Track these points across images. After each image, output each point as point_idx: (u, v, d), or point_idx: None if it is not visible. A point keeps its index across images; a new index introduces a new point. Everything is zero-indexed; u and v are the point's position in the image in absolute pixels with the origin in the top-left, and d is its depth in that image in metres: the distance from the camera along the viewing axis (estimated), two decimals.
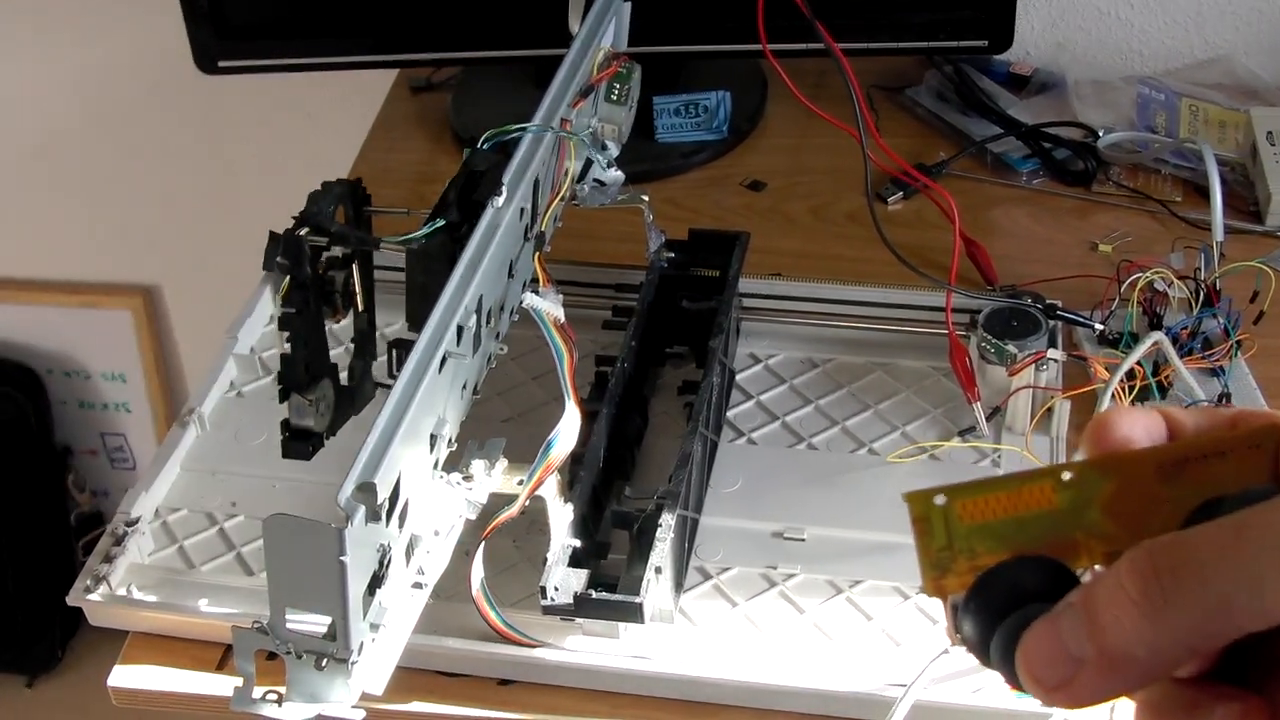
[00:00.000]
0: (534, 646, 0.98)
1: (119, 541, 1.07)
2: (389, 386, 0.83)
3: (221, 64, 1.49)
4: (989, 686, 0.94)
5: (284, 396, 0.93)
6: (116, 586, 1.05)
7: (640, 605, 0.94)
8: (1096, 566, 0.46)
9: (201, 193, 2.05)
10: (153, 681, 1.02)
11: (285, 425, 0.93)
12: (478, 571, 0.94)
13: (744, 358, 1.24)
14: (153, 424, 2.28)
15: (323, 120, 1.93)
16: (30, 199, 2.11)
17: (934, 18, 1.44)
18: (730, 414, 1.19)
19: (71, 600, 1.04)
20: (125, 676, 1.03)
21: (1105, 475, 0.47)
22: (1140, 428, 0.48)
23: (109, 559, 1.05)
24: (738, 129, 1.54)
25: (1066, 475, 0.47)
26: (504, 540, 1.05)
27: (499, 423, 1.19)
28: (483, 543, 0.94)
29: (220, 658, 1.03)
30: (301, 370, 0.92)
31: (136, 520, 1.08)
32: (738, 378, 1.22)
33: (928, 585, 0.47)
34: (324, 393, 0.94)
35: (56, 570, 2.31)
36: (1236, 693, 0.44)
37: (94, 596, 1.03)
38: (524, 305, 0.96)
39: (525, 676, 1.00)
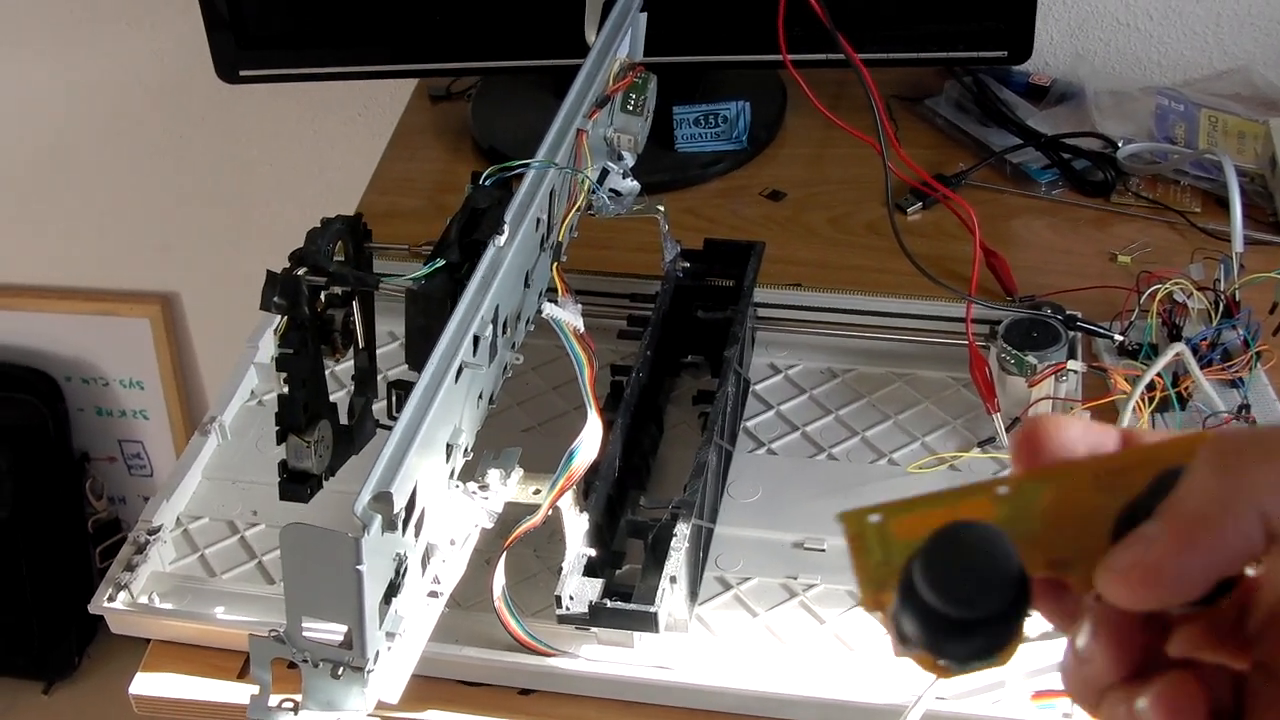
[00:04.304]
0: (554, 655, 0.98)
1: (141, 550, 1.07)
2: (389, 428, 0.82)
3: (242, 73, 1.50)
4: (1007, 699, 0.94)
5: (281, 438, 0.91)
6: (138, 594, 1.05)
7: (655, 614, 0.94)
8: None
9: (220, 200, 2.06)
10: (173, 689, 1.03)
11: (283, 467, 0.92)
12: (499, 580, 0.94)
13: (764, 368, 1.24)
14: (170, 431, 2.28)
15: (342, 129, 1.93)
16: (49, 206, 2.12)
17: (953, 29, 1.44)
18: (750, 424, 1.19)
19: (93, 608, 1.04)
20: (146, 684, 1.03)
21: (1042, 486, 0.47)
22: (1075, 434, 0.49)
23: (131, 567, 1.06)
24: (757, 139, 1.54)
25: (1002, 489, 0.47)
26: (525, 550, 1.06)
27: (519, 432, 1.19)
28: (504, 552, 0.94)
29: (241, 666, 1.03)
30: (299, 411, 0.90)
31: (158, 529, 1.09)
32: (758, 388, 1.22)
33: (866, 600, 0.48)
34: (322, 434, 0.92)
35: (74, 577, 2.31)
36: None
37: (116, 604, 1.04)
38: (544, 315, 0.96)
39: (546, 686, 1.00)
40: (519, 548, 0.96)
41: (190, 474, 1.15)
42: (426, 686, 1.00)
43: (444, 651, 0.99)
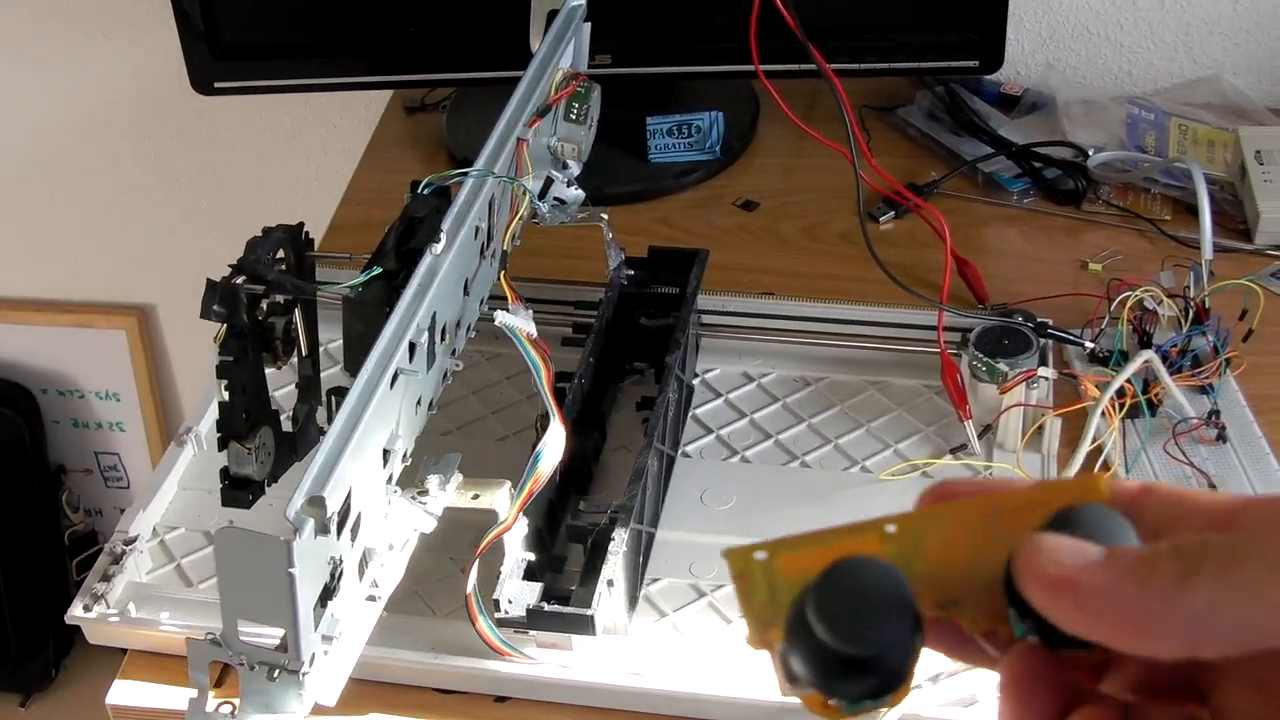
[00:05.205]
0: (521, 660, 0.98)
1: (117, 560, 1.07)
2: None
3: (217, 85, 1.50)
4: (980, 709, 0.95)
5: (223, 445, 0.92)
6: (114, 605, 1.05)
7: (591, 618, 0.95)
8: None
9: (196, 212, 2.06)
10: (150, 699, 1.03)
11: (224, 474, 0.93)
12: (471, 581, 0.94)
13: (737, 376, 1.24)
14: (146, 443, 2.28)
15: (317, 141, 1.94)
16: (25, 218, 2.12)
17: (925, 39, 1.45)
18: (724, 431, 1.19)
19: (70, 618, 1.04)
20: (124, 694, 1.03)
21: (931, 527, 0.47)
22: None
23: (107, 577, 1.06)
24: (730, 149, 1.55)
25: (891, 528, 0.47)
26: (500, 557, 1.06)
27: (494, 441, 1.19)
28: (477, 559, 0.94)
29: (218, 675, 1.03)
30: (240, 418, 0.91)
31: (134, 539, 1.09)
32: (731, 396, 1.23)
33: (752, 639, 0.47)
34: (264, 440, 0.94)
35: (50, 589, 2.31)
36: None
37: (92, 615, 1.04)
38: (497, 323, 0.96)
39: (521, 693, 1.01)
40: (493, 555, 0.96)
41: (166, 484, 1.15)
42: (402, 694, 1.00)
43: (420, 659, 0.99)
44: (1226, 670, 0.44)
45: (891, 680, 0.45)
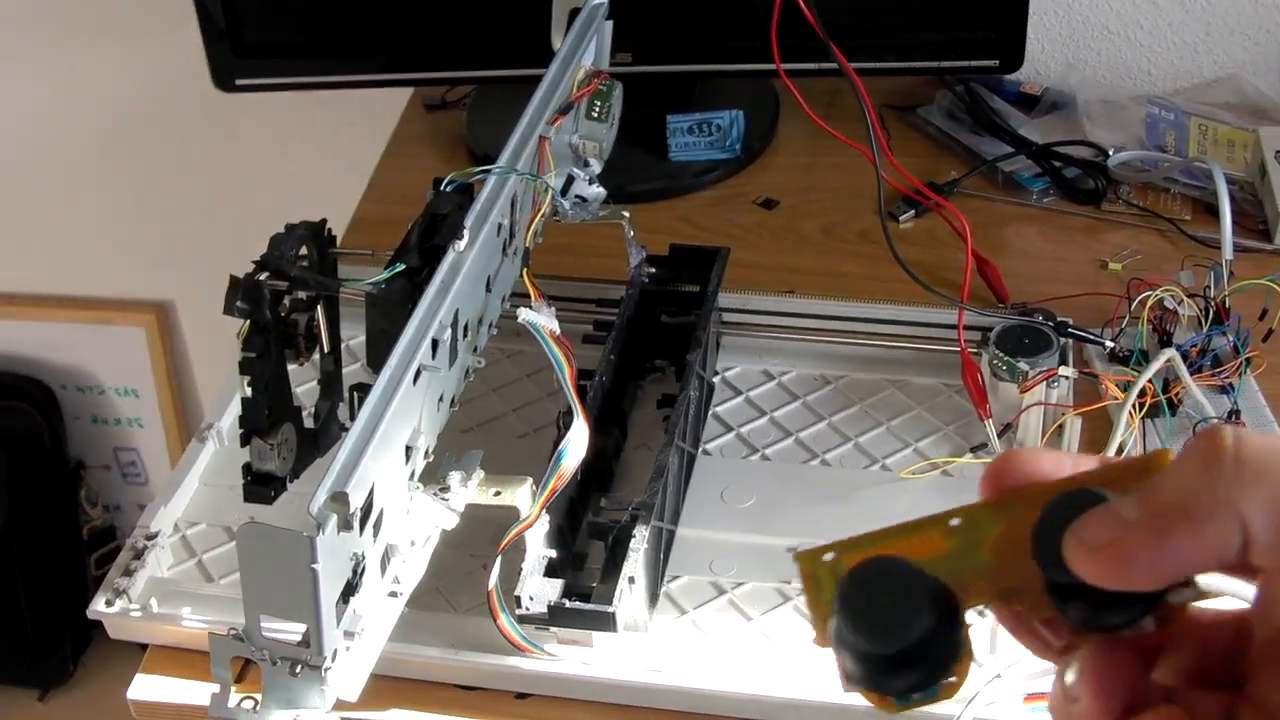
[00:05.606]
0: (541, 657, 0.99)
1: (139, 555, 1.07)
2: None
3: (239, 82, 1.50)
4: (1000, 701, 0.95)
5: (245, 440, 0.92)
6: (136, 600, 1.05)
7: (613, 615, 0.95)
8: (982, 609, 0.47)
9: (215, 209, 2.06)
10: (172, 694, 1.03)
11: (247, 469, 0.93)
12: (493, 580, 0.95)
13: (758, 374, 1.25)
14: (165, 439, 2.29)
15: (337, 138, 1.94)
16: (45, 215, 2.12)
17: (945, 38, 1.45)
18: (744, 430, 1.19)
19: (92, 613, 1.04)
20: (145, 689, 1.04)
21: (993, 518, 0.47)
22: (1046, 466, 0.48)
23: (129, 572, 1.06)
24: (750, 148, 1.55)
25: (955, 522, 0.48)
26: (520, 553, 1.06)
27: (515, 439, 1.20)
28: (499, 556, 0.94)
29: (239, 670, 1.03)
30: (263, 414, 0.91)
31: (156, 534, 1.09)
32: (752, 394, 1.23)
33: (819, 638, 0.48)
34: (286, 436, 0.94)
35: (69, 584, 2.31)
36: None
37: (114, 609, 1.04)
38: (520, 320, 0.96)
39: (541, 690, 1.01)
40: (514, 552, 0.96)
41: (188, 480, 1.15)
42: (423, 690, 1.01)
43: (442, 656, 0.99)
44: (1264, 659, 0.44)
45: (934, 673, 0.46)
